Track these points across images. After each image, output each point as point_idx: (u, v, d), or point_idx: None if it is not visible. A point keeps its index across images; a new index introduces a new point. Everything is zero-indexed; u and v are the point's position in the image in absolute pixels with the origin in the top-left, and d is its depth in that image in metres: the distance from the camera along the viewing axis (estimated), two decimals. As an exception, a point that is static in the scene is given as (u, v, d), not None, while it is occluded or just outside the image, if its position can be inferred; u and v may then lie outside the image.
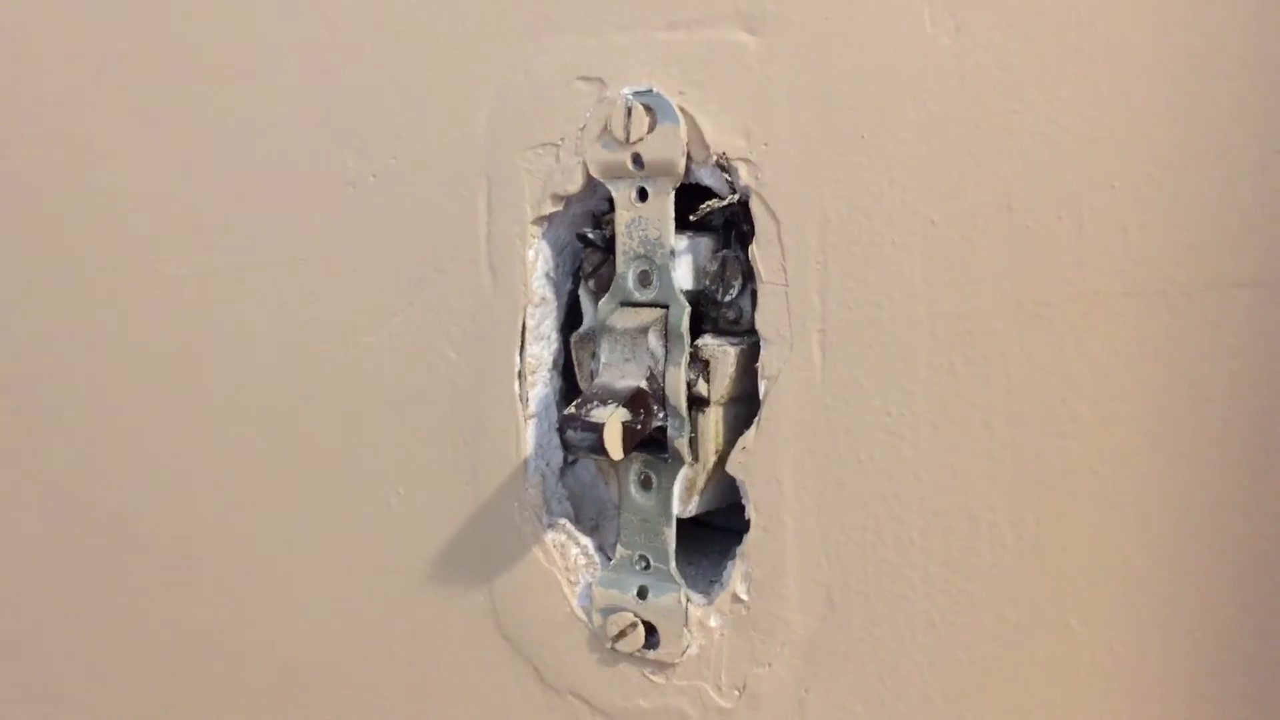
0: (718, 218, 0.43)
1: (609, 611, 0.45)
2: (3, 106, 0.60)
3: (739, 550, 0.43)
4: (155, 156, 0.56)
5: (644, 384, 0.43)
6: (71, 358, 0.61)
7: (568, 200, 0.45)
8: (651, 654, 0.44)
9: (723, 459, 0.43)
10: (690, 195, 0.43)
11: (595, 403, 0.42)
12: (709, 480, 0.44)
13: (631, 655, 0.45)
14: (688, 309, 0.42)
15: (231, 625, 0.58)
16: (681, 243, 0.43)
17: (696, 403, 0.43)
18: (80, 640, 0.64)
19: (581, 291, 0.47)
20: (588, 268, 0.46)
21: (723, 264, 0.43)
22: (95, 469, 0.61)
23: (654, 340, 0.43)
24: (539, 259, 0.46)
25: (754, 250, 0.41)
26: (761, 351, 0.41)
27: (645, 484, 0.44)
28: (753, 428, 0.42)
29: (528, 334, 0.47)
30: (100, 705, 0.63)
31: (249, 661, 0.58)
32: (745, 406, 0.43)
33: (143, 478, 0.60)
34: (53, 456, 0.63)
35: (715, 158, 0.41)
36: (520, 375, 0.47)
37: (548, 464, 0.48)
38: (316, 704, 0.56)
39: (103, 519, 0.61)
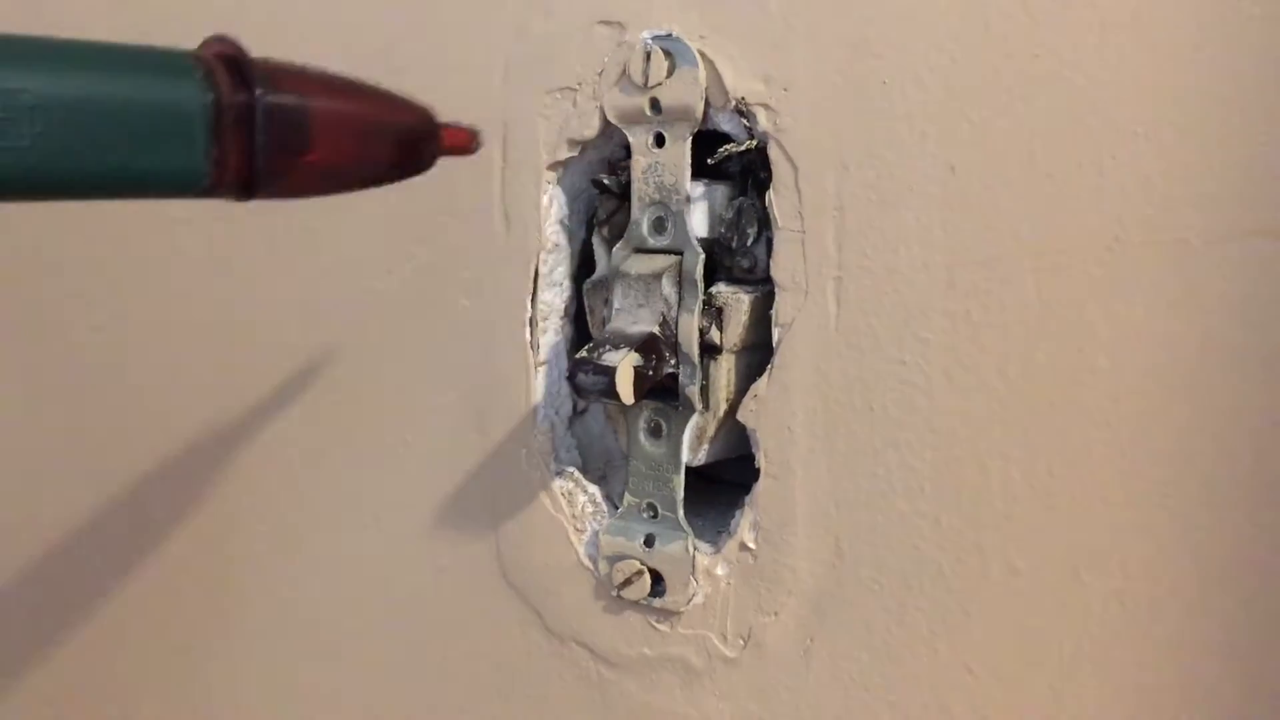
0: (734, 165, 0.43)
1: (615, 559, 0.45)
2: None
3: (747, 499, 0.43)
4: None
5: (656, 330, 0.42)
6: (79, 279, 0.61)
7: (584, 146, 0.45)
8: (657, 602, 0.44)
9: (733, 408, 0.43)
10: (708, 142, 0.43)
11: (607, 347, 0.42)
12: (719, 429, 0.44)
13: (637, 603, 0.45)
14: (702, 256, 0.42)
15: (235, 569, 0.58)
16: (698, 189, 0.43)
17: (709, 350, 0.43)
18: (77, 576, 0.64)
19: (595, 239, 0.47)
20: (602, 214, 0.46)
21: (739, 211, 0.42)
22: (96, 398, 0.61)
23: (667, 286, 0.43)
24: (553, 205, 0.46)
25: (771, 197, 0.41)
26: (776, 299, 0.41)
27: (655, 432, 0.44)
28: (765, 375, 0.42)
29: (540, 281, 0.47)
30: (96, 649, 0.64)
31: (251, 605, 0.58)
32: (758, 355, 0.43)
33: (147, 424, 0.60)
34: (54, 371, 0.63)
35: (734, 103, 0.41)
36: (531, 322, 0.47)
37: (557, 412, 0.48)
38: (320, 648, 0.56)
39: (108, 455, 0.61)
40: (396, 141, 0.37)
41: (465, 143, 0.39)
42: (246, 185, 0.33)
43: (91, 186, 0.30)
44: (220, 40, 0.33)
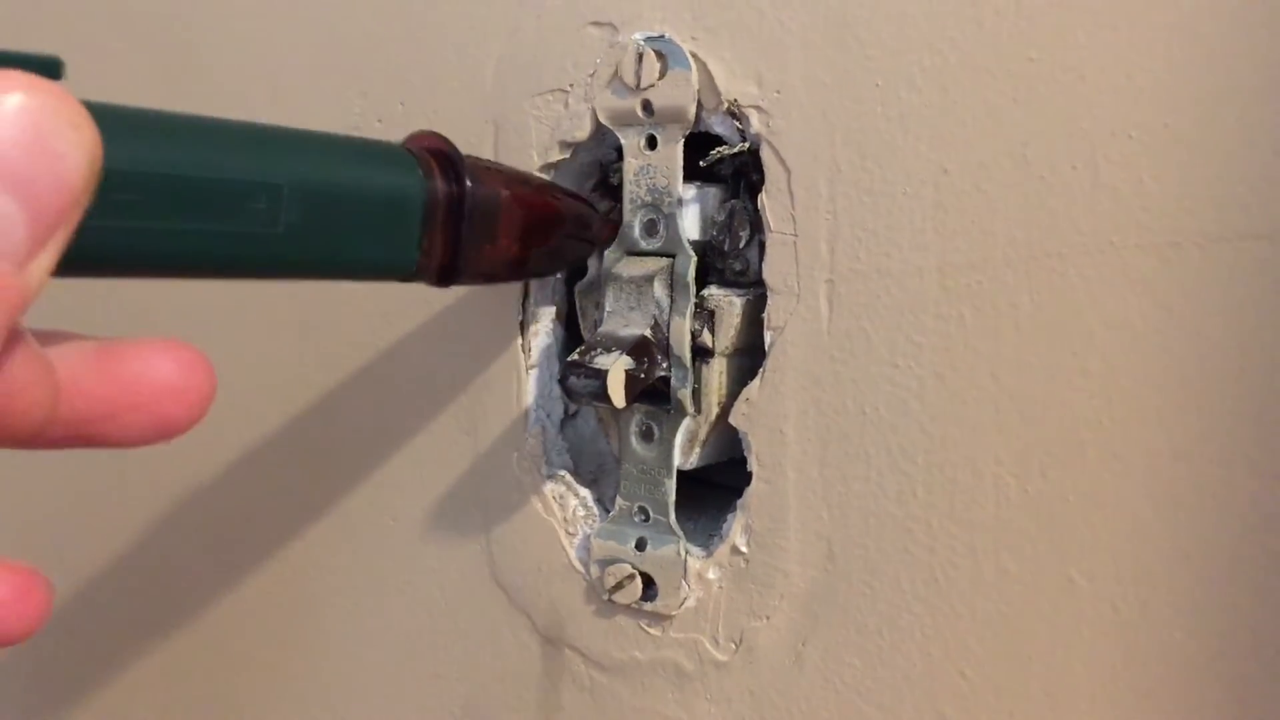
0: (727, 167, 0.43)
1: (607, 563, 0.45)
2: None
3: (739, 503, 0.43)
4: (157, 96, 0.55)
5: (648, 333, 0.42)
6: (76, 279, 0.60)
7: (575, 148, 0.45)
8: (648, 606, 0.44)
9: (725, 411, 0.43)
10: (700, 145, 0.42)
11: (599, 350, 0.41)
12: (711, 432, 0.43)
13: (628, 607, 0.45)
14: (694, 259, 0.42)
15: (223, 571, 0.58)
16: (690, 192, 0.43)
17: (701, 353, 0.42)
18: (70, 571, 0.64)
19: (587, 241, 0.47)
20: (594, 217, 0.46)
21: (731, 214, 0.42)
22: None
23: (659, 289, 0.42)
24: (545, 207, 0.46)
25: (763, 199, 0.41)
26: (768, 302, 0.41)
27: (646, 435, 0.44)
28: (757, 379, 0.41)
29: (531, 283, 0.47)
30: (85, 647, 0.63)
31: (239, 607, 0.58)
32: (750, 359, 0.43)
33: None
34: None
35: (726, 105, 0.41)
36: (522, 325, 0.47)
37: (548, 415, 0.48)
38: (309, 650, 0.56)
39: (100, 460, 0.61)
40: (569, 234, 0.40)
41: (612, 233, 0.43)
42: (446, 273, 0.35)
43: (321, 270, 0.32)
44: (430, 134, 0.35)
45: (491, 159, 0.37)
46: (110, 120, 0.22)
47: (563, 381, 0.41)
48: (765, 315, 0.41)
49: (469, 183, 0.34)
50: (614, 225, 0.43)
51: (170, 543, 0.60)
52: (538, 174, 0.40)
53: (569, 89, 0.44)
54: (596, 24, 0.43)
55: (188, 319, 0.57)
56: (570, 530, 0.47)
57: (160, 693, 0.62)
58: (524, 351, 0.47)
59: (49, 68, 0.21)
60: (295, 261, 0.30)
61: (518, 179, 0.38)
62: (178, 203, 0.26)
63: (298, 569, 0.55)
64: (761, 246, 0.41)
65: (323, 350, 0.53)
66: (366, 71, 0.50)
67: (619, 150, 0.44)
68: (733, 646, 0.43)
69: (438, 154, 0.35)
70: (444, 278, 0.35)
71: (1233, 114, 0.33)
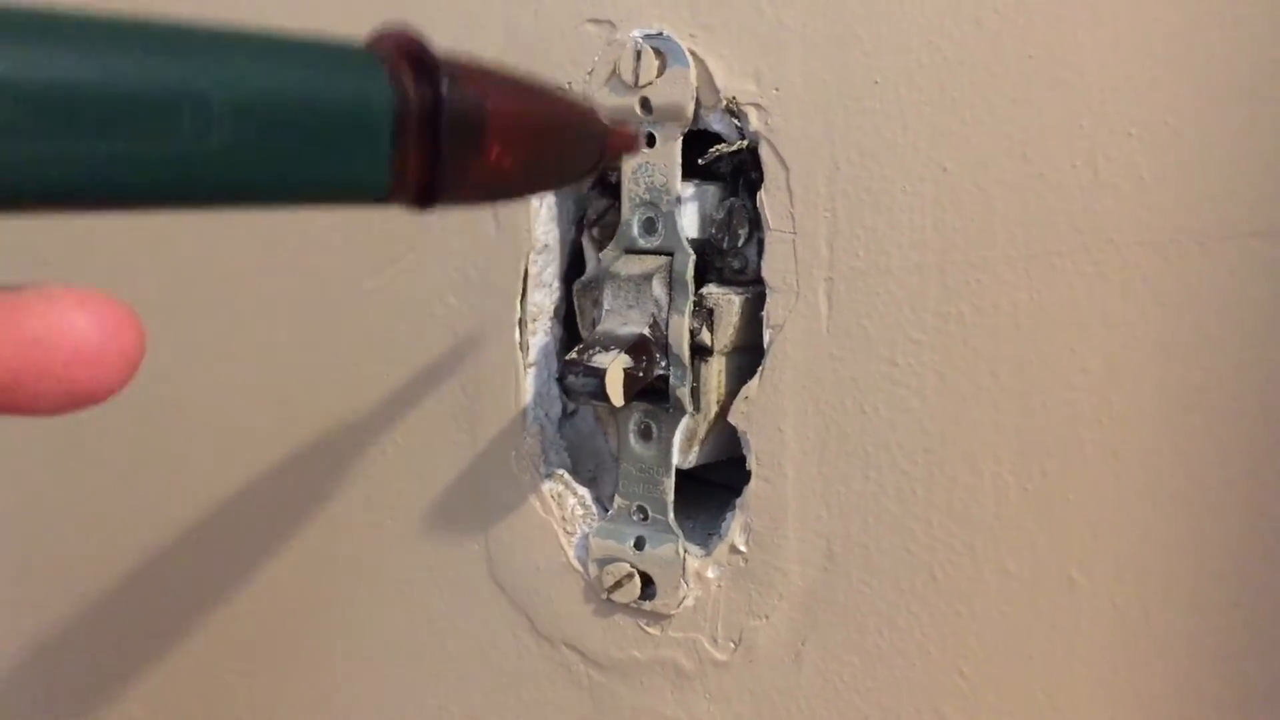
0: (725, 165, 0.43)
1: (605, 562, 0.45)
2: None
3: (738, 501, 0.42)
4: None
5: (647, 331, 0.42)
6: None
7: (574, 146, 0.45)
8: (647, 605, 0.44)
9: (724, 410, 0.43)
10: (699, 142, 0.42)
11: (597, 349, 0.41)
12: (710, 431, 0.43)
13: (627, 606, 0.45)
14: (693, 257, 0.42)
15: (221, 571, 0.58)
16: (688, 190, 0.43)
17: (699, 352, 0.42)
18: (70, 569, 0.63)
19: (585, 240, 0.46)
20: (592, 215, 0.46)
21: (729, 212, 0.42)
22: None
23: (658, 288, 0.42)
24: (543, 205, 0.46)
25: (762, 197, 0.41)
26: (767, 300, 0.41)
27: (645, 434, 0.44)
28: (756, 377, 0.41)
29: (530, 281, 0.46)
30: (87, 640, 0.63)
31: (237, 607, 0.58)
32: (749, 357, 0.43)
33: (138, 424, 0.59)
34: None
35: (725, 102, 0.41)
36: (521, 323, 0.47)
37: (546, 414, 0.47)
38: (308, 650, 0.56)
39: (105, 454, 0.61)
40: (568, 142, 0.35)
41: (629, 144, 0.37)
42: (427, 192, 0.30)
43: (270, 194, 0.27)
44: (398, 31, 0.30)
45: (481, 60, 0.32)
46: None
47: (561, 380, 0.41)
48: (764, 313, 0.41)
49: (445, 86, 0.29)
50: (628, 135, 0.37)
51: (169, 543, 0.59)
52: (533, 75, 0.35)
53: (567, 86, 0.44)
54: (595, 21, 0.43)
55: (179, 314, 0.57)
56: (569, 529, 0.47)
57: (156, 690, 0.61)
58: (522, 350, 0.47)
59: None
60: (234, 185, 0.26)
61: (507, 79, 0.33)
62: (73, 120, 0.22)
63: (295, 568, 0.55)
64: (760, 244, 0.41)
65: (320, 349, 0.52)
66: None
67: (617, 148, 0.43)
68: (732, 645, 0.43)
69: (409, 54, 0.29)
70: (424, 199, 0.30)
71: (1232, 112, 0.33)
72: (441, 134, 0.29)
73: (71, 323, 0.21)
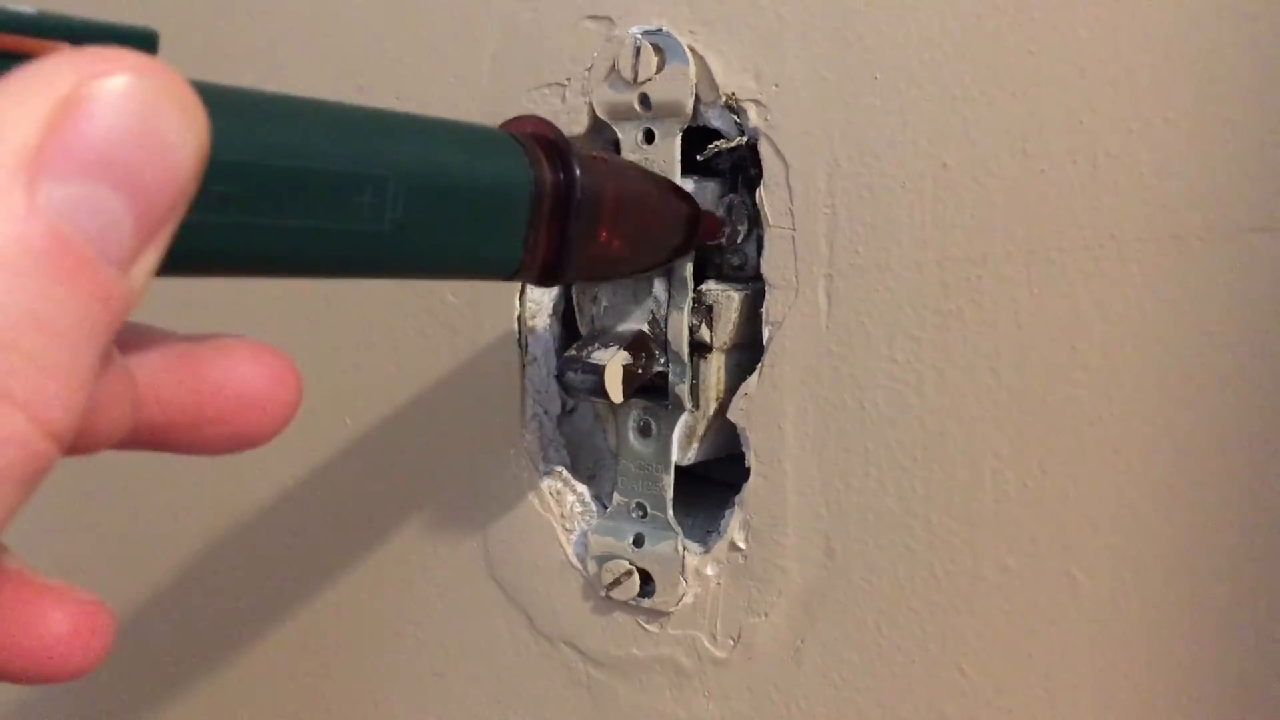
0: (725, 162, 0.43)
1: (604, 559, 0.45)
2: None
3: (738, 498, 0.42)
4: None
5: (646, 328, 0.42)
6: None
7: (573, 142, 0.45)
8: (646, 602, 0.44)
9: (723, 406, 0.43)
10: (698, 139, 0.42)
11: (596, 345, 0.41)
12: (709, 428, 0.43)
13: (626, 604, 0.45)
14: (691, 253, 0.42)
15: (218, 571, 0.58)
16: (687, 186, 0.42)
17: (698, 348, 0.42)
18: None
19: (584, 236, 0.46)
20: (591, 211, 0.46)
21: (729, 208, 0.42)
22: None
23: (657, 284, 0.42)
24: (542, 202, 0.46)
25: (761, 194, 0.40)
26: (766, 297, 0.41)
27: (644, 431, 0.44)
28: (755, 374, 0.41)
29: (528, 278, 0.46)
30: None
31: (235, 607, 0.58)
32: (748, 354, 0.43)
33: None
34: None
35: (724, 99, 0.41)
36: (519, 320, 0.47)
37: (545, 411, 0.47)
38: (306, 649, 0.55)
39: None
40: (667, 227, 0.38)
41: (717, 230, 0.40)
42: (550, 270, 0.32)
43: (424, 269, 0.29)
44: (533, 119, 0.32)
45: (597, 150, 0.33)
46: (214, 102, 0.19)
47: (560, 377, 0.41)
48: (763, 310, 0.41)
49: (579, 171, 0.31)
50: (718, 221, 0.40)
51: (166, 543, 0.59)
52: (639, 164, 0.36)
53: (566, 83, 0.44)
54: (594, 17, 0.43)
55: (180, 314, 0.57)
56: (567, 526, 0.46)
57: (156, 690, 0.61)
58: (521, 347, 0.47)
59: (145, 41, 0.19)
60: (399, 260, 0.27)
61: (623, 168, 0.35)
62: (280, 197, 0.23)
63: (292, 568, 0.55)
64: (760, 241, 0.41)
65: (318, 349, 0.52)
66: (363, 65, 0.49)
67: (616, 144, 0.43)
68: (731, 643, 0.43)
69: (542, 139, 0.31)
70: (547, 276, 0.32)
71: (1233, 107, 0.33)
72: (570, 216, 0.31)
73: (244, 373, 0.23)
